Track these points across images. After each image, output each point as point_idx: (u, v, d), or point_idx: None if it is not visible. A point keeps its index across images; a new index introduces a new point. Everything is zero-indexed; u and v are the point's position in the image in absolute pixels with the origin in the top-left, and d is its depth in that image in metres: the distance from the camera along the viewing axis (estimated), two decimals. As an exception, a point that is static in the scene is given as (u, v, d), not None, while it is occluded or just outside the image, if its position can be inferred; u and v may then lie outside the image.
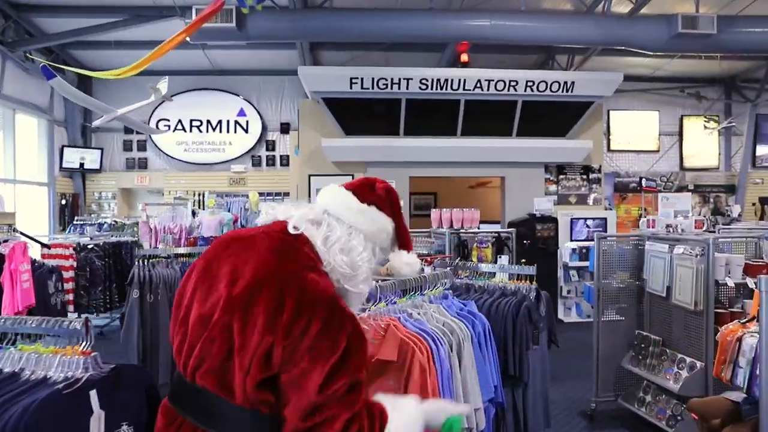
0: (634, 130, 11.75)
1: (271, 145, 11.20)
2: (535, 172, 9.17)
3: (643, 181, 9.80)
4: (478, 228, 5.78)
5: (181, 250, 4.33)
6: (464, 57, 8.33)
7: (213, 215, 6.24)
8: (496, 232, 5.66)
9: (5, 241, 5.12)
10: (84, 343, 1.51)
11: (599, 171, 9.22)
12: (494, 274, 3.13)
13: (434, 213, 5.75)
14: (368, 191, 1.53)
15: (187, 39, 6.67)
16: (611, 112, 11.44)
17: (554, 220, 7.95)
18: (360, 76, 8.28)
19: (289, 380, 1.22)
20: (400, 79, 8.30)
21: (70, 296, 6.61)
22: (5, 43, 8.25)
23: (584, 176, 9.20)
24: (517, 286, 2.85)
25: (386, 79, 8.30)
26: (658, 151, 11.81)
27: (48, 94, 9.50)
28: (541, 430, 2.90)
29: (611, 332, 4.34)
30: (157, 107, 10.38)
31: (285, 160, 11.08)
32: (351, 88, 8.30)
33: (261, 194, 10.74)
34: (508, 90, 8.43)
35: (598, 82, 8.67)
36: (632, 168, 11.73)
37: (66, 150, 10.13)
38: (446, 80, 8.31)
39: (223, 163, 11.05)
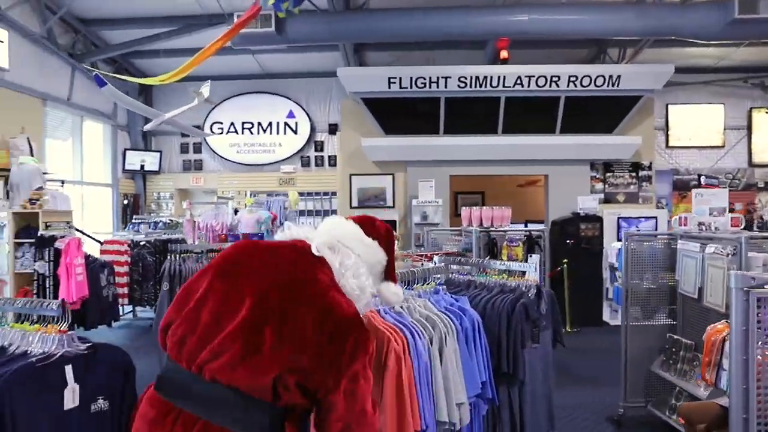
0: (696, 124, 11.01)
1: (319, 146, 11.43)
2: (581, 169, 8.85)
3: (702, 179, 9.20)
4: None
5: (212, 246, 4.55)
6: (504, 53, 8.17)
7: (251, 213, 6.52)
8: (527, 231, 5.53)
9: (62, 237, 5.58)
10: (62, 323, 1.67)
11: (650, 168, 8.74)
12: (506, 271, 3.07)
13: (464, 211, 5.71)
14: (371, 227, 1.79)
15: (230, 44, 6.98)
16: (670, 106, 10.81)
17: (599, 219, 7.66)
18: (398, 75, 8.32)
19: (344, 391, 1.40)
20: (438, 78, 8.26)
21: (125, 290, 7.08)
22: (75, 55, 8.95)
23: (633, 173, 8.76)
24: (517, 283, 2.80)
25: (425, 78, 8.29)
26: (723, 146, 11.04)
27: (112, 102, 10.19)
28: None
29: (642, 335, 4.17)
30: (211, 110, 10.89)
31: (333, 161, 11.27)
32: (390, 87, 8.36)
33: (309, 194, 11.03)
34: (550, 86, 8.20)
35: (647, 75, 8.26)
36: (693, 165, 11.02)
37: (128, 153, 10.83)
38: (485, 77, 8.20)
39: (274, 164, 11.40)
